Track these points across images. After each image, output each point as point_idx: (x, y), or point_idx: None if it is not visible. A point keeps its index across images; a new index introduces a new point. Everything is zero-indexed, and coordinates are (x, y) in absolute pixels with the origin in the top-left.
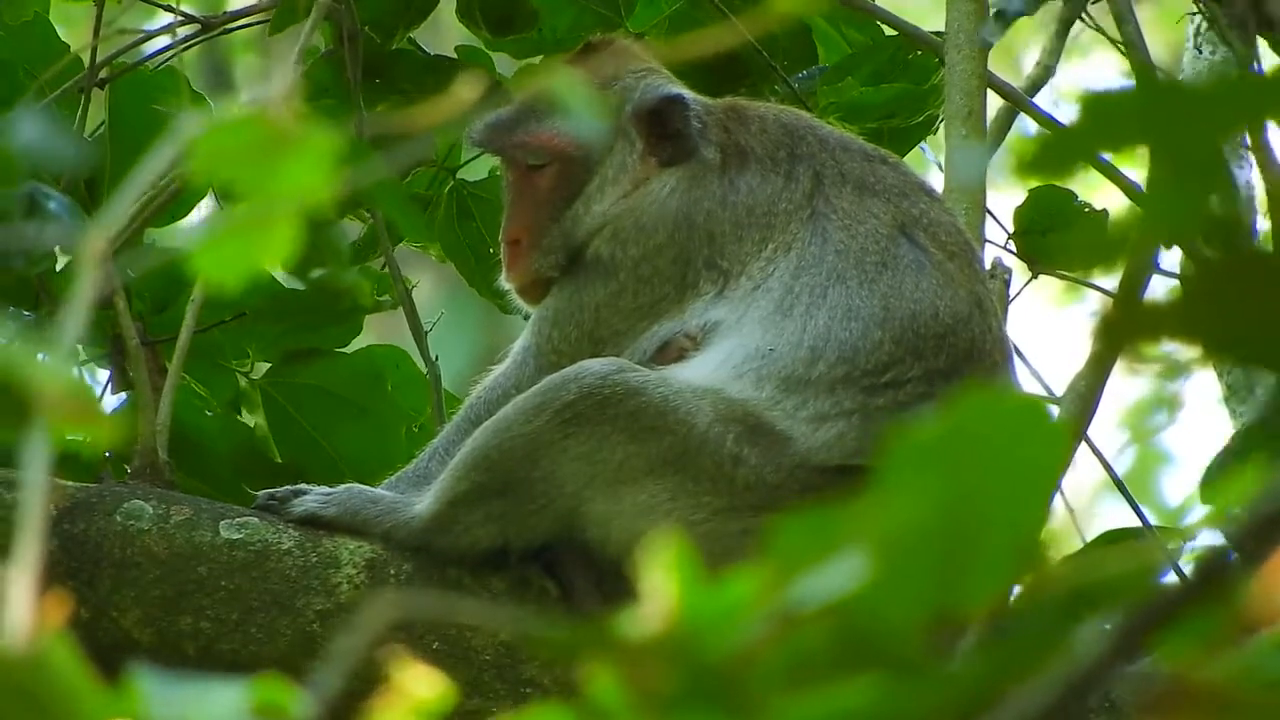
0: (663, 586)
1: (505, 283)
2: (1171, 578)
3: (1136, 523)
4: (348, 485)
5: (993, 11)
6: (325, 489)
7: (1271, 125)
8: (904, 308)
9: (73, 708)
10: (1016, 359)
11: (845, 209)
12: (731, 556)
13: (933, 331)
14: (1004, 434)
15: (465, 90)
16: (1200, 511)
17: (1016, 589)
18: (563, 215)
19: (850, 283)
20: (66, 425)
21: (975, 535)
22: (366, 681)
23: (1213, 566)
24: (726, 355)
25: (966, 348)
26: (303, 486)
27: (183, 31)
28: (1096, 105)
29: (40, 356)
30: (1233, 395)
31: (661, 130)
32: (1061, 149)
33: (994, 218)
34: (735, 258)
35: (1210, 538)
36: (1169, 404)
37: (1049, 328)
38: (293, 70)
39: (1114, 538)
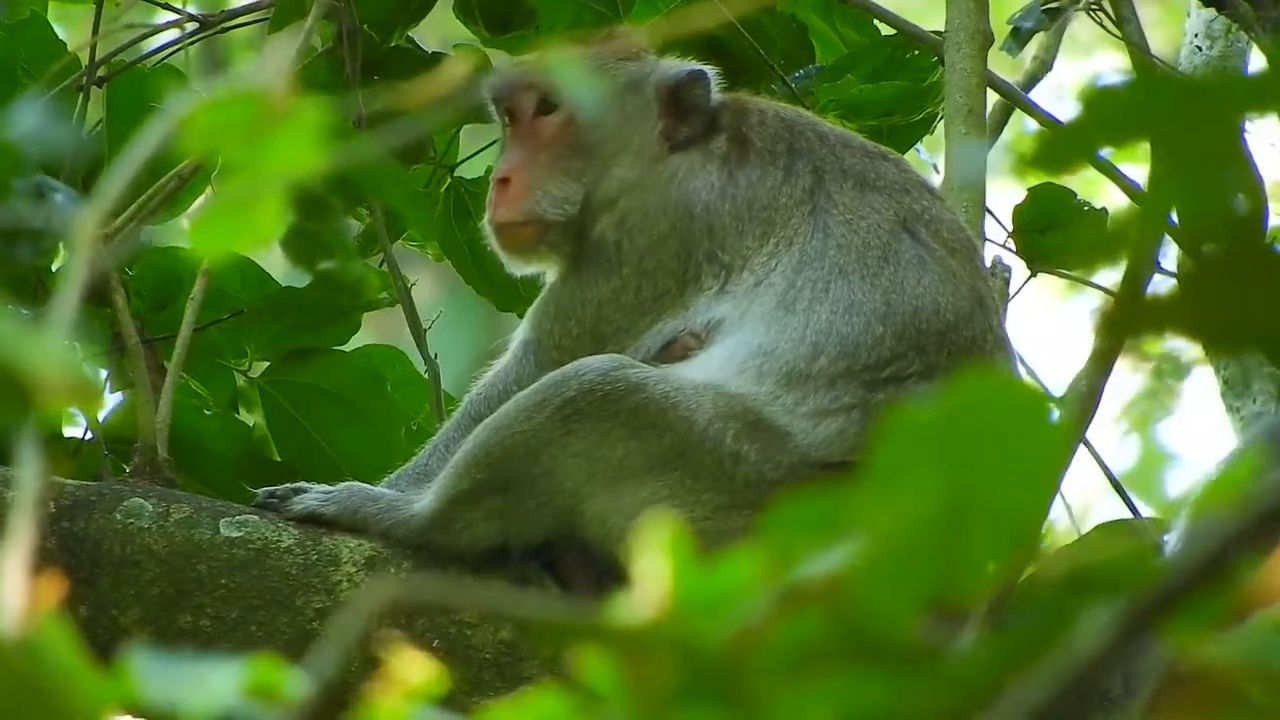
0: (658, 572)
1: (488, 222)
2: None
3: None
4: (348, 484)
5: (1010, 29)
6: (325, 487)
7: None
8: (906, 303)
9: (68, 690)
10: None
11: (846, 204)
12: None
13: (934, 328)
14: (1002, 419)
15: (457, 69)
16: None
17: (1019, 580)
18: (563, 164)
19: (852, 277)
20: (64, 404)
21: (973, 521)
22: (363, 667)
23: (1215, 553)
24: (730, 353)
25: (967, 345)
26: (303, 485)
27: (182, 29)
28: (1098, 100)
29: (38, 340)
30: (1229, 390)
31: (679, 109)
32: (1064, 145)
33: (993, 216)
34: (736, 251)
35: (1210, 529)
36: (1166, 398)
37: (1049, 325)
38: (287, 51)
39: (1110, 529)
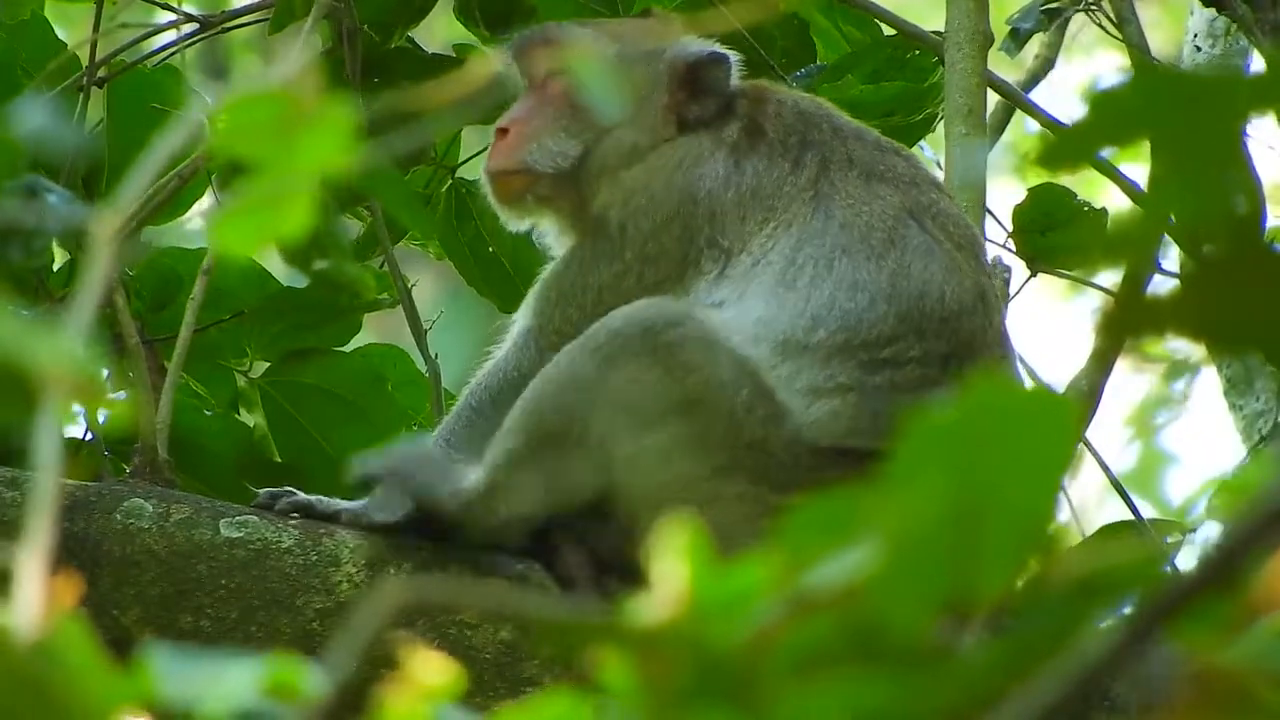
0: (673, 573)
1: (483, 171)
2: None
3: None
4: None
5: (1008, 29)
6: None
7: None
8: (912, 287)
9: (84, 689)
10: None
11: (850, 191)
12: (723, 519)
13: (938, 314)
14: (1015, 423)
15: (472, 73)
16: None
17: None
18: (563, 122)
19: (857, 256)
20: (71, 400)
21: (987, 524)
22: (374, 668)
23: (1223, 554)
24: (728, 323)
25: (969, 337)
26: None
27: (182, 30)
28: (1102, 101)
29: (44, 338)
30: (1232, 389)
31: (694, 88)
32: (1069, 145)
33: (993, 216)
34: (737, 236)
35: (1214, 529)
36: (1172, 401)
37: (1050, 325)
38: (309, 50)
39: (1112, 532)
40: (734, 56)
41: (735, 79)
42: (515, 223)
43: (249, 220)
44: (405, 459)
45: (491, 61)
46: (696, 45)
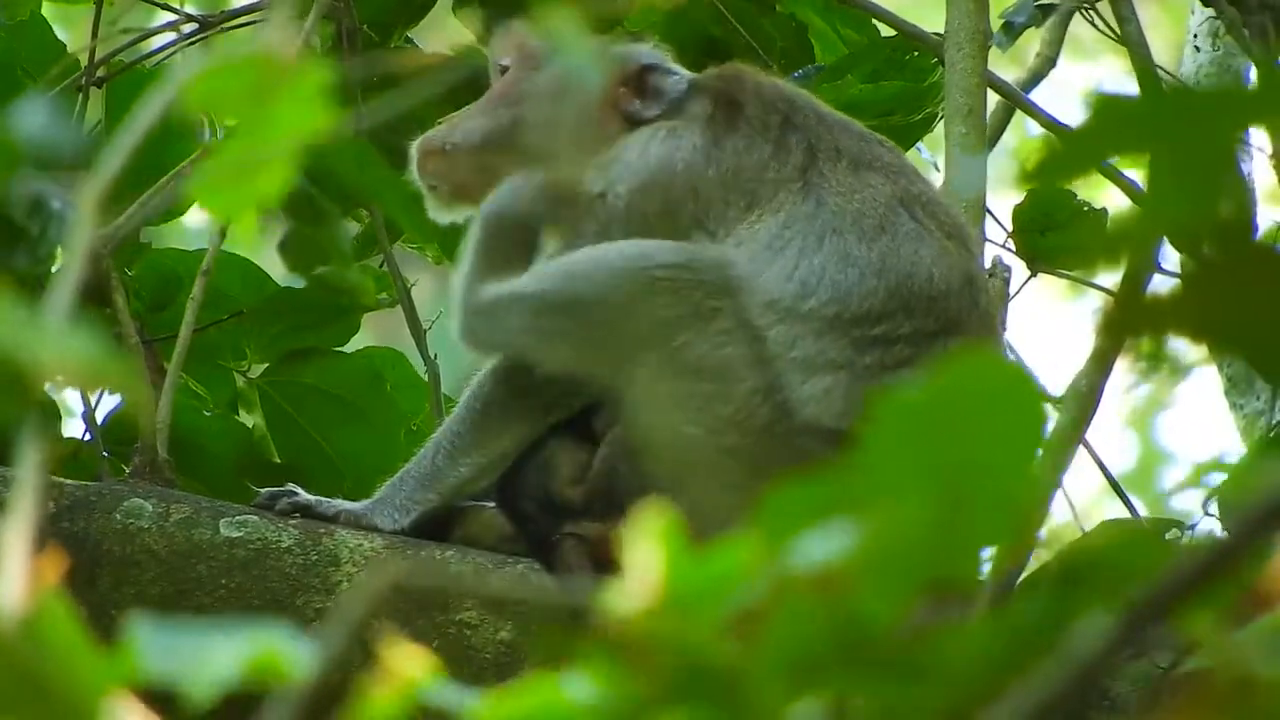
0: (649, 559)
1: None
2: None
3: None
4: None
5: (1001, 23)
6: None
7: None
8: (902, 266)
9: (70, 670)
10: (1014, 359)
11: (841, 179)
12: (712, 481)
13: (926, 293)
14: (990, 400)
15: (451, 47)
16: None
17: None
18: (492, 109)
19: (848, 236)
20: (68, 384)
21: (966, 504)
22: (361, 660)
23: (1223, 549)
24: None
25: (956, 315)
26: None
27: (182, 30)
28: (1107, 108)
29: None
30: (1233, 388)
31: (640, 89)
32: (1071, 153)
33: (993, 216)
34: (721, 221)
35: (1211, 525)
36: (1165, 399)
37: (1049, 325)
38: (288, 12)
39: (1115, 526)
40: (686, 74)
41: (678, 78)
42: (439, 210)
43: (230, 184)
44: None
45: (471, 42)
46: (650, 52)
